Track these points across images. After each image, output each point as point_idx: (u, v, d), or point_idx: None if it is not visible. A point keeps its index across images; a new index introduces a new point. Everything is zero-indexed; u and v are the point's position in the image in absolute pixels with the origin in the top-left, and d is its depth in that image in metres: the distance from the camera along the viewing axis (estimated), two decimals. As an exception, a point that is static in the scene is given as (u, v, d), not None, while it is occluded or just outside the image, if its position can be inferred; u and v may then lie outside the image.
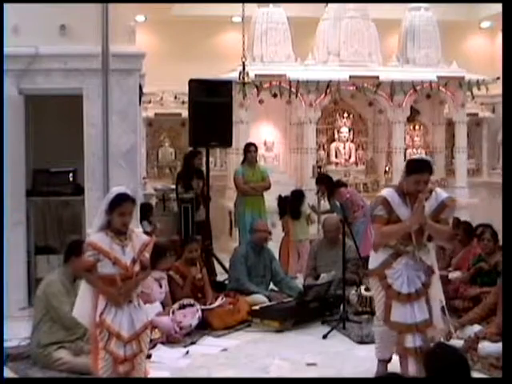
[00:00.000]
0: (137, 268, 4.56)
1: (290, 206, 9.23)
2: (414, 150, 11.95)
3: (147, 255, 4.66)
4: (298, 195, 9.34)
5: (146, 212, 9.00)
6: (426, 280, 5.04)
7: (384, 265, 5.00)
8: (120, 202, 4.48)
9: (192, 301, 6.82)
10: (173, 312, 6.58)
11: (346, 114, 11.69)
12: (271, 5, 11.33)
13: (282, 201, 9.44)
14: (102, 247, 4.46)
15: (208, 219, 8.88)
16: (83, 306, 4.62)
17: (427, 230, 5.01)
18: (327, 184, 9.33)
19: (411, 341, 4.89)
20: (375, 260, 5.10)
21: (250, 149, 9.65)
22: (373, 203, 5.22)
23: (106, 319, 4.45)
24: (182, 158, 10.03)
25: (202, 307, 6.87)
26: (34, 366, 5.61)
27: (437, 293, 5.15)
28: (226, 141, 8.83)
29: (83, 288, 4.64)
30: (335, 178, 11.09)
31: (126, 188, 4.68)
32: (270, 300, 7.36)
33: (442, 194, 5.14)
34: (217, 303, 7.05)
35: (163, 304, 6.76)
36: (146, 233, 8.57)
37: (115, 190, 4.61)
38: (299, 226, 9.21)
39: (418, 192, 4.90)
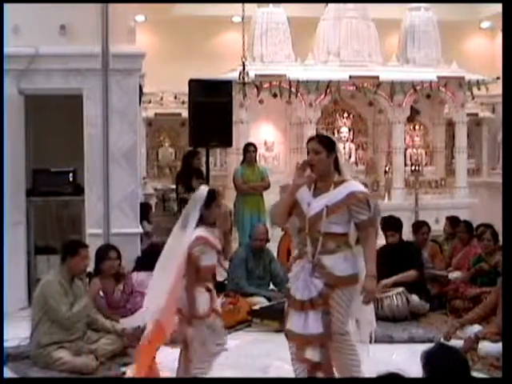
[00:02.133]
0: None
1: None
2: (414, 150, 11.95)
3: None
4: None
5: (146, 212, 9.00)
6: (325, 290, 4.46)
7: (290, 269, 4.73)
8: (215, 197, 4.84)
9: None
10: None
11: (346, 114, 11.67)
12: (271, 5, 11.32)
13: None
14: (210, 240, 4.76)
15: (208, 219, 8.87)
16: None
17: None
18: None
19: (311, 354, 4.55)
20: None
21: (249, 149, 9.66)
22: None
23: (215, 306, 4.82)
24: (182, 158, 10.03)
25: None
26: (34, 366, 5.61)
27: (357, 307, 4.63)
28: (226, 141, 8.83)
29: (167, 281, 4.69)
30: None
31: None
32: (269, 301, 7.35)
33: (355, 186, 4.56)
34: (217, 303, 7.04)
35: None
36: (146, 233, 8.65)
37: (203, 188, 4.89)
38: None
39: (310, 165, 4.52)
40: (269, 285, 7.82)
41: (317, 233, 4.46)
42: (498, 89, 10.47)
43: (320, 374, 4.65)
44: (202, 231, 4.74)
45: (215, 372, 5.57)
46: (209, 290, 4.80)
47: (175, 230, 4.88)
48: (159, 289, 4.75)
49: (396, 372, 3.31)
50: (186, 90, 8.72)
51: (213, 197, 4.81)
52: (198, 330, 4.74)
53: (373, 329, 4.77)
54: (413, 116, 11.71)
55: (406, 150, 11.67)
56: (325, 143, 4.53)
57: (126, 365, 5.74)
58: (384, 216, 7.67)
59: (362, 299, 4.52)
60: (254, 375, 5.52)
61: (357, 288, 4.55)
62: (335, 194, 4.47)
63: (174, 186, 9.80)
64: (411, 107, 11.50)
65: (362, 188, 4.56)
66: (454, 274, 7.73)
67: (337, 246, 4.48)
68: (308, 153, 4.56)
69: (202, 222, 4.75)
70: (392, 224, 7.46)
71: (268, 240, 7.91)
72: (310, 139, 4.63)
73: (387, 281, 7.12)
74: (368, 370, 5.36)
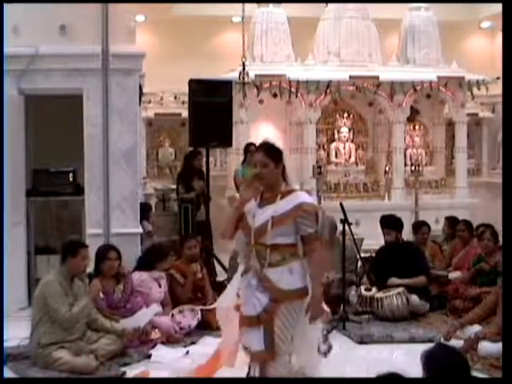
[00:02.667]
0: None
1: None
2: (414, 150, 11.94)
3: None
4: None
5: (146, 212, 9.00)
6: (270, 305, 4.21)
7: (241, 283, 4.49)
8: None
9: (192, 306, 6.79)
10: (172, 315, 6.58)
11: (346, 114, 11.66)
12: (271, 5, 11.32)
13: None
14: None
15: (208, 219, 8.88)
16: None
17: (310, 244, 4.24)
18: None
19: (252, 371, 4.32)
20: None
21: (249, 149, 9.66)
22: None
23: None
24: (183, 159, 10.03)
25: (202, 307, 6.86)
26: (33, 366, 5.61)
27: (306, 328, 4.33)
28: (226, 141, 8.83)
29: None
30: (335, 177, 11.17)
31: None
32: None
33: (303, 197, 4.33)
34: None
35: (162, 304, 6.76)
36: (147, 232, 8.65)
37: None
38: None
39: (258, 178, 4.30)
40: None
41: (262, 245, 4.24)
42: (498, 89, 10.46)
43: None
44: None
45: (215, 372, 5.57)
46: None
47: None
48: None
49: (396, 372, 3.31)
50: (186, 90, 8.71)
51: None
52: None
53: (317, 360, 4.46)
54: (413, 116, 11.71)
55: (406, 150, 11.67)
56: (272, 155, 4.35)
57: (125, 365, 5.74)
58: (384, 214, 7.72)
59: (306, 320, 4.26)
60: (254, 375, 5.51)
61: (306, 302, 4.30)
62: (282, 205, 4.26)
63: (174, 186, 9.81)
64: (411, 107, 11.50)
65: (310, 200, 4.37)
66: (454, 274, 7.73)
67: (282, 259, 4.25)
68: (255, 165, 4.34)
69: None
70: (388, 222, 7.48)
71: None
72: (256, 150, 4.38)
73: (395, 280, 7.13)
74: (368, 369, 5.39)
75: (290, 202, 4.25)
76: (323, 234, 4.30)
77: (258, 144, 4.45)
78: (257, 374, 4.28)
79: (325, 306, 4.48)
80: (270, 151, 4.36)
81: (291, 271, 4.25)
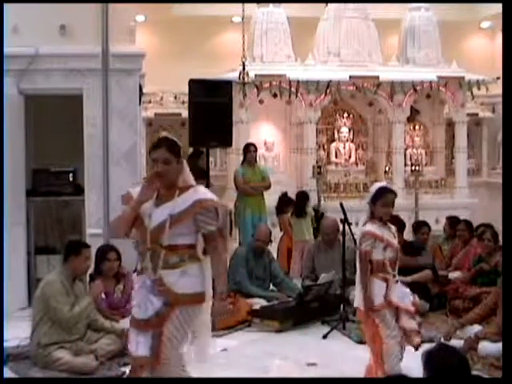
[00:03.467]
0: None
1: (296, 206, 9.25)
2: (414, 150, 11.95)
3: None
4: (303, 196, 9.40)
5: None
6: (163, 309, 3.94)
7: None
8: (383, 194, 4.92)
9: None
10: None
11: (345, 114, 11.67)
12: (271, 5, 11.32)
13: (284, 198, 9.47)
14: (376, 233, 4.91)
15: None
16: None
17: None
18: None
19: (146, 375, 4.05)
20: None
21: (249, 149, 9.67)
22: None
23: (392, 298, 4.86)
24: (187, 158, 10.03)
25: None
26: (34, 366, 5.61)
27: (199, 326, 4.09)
28: (226, 141, 8.83)
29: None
30: (335, 177, 11.17)
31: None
32: (269, 301, 7.35)
33: (202, 193, 4.05)
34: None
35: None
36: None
37: (378, 184, 5.14)
38: (305, 226, 9.19)
39: (159, 176, 3.99)
40: (269, 285, 7.82)
41: (158, 246, 3.97)
42: (497, 89, 10.47)
43: None
44: (370, 226, 4.94)
45: (215, 372, 5.58)
46: (385, 280, 4.91)
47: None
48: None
49: (402, 374, 3.31)
50: (186, 90, 8.71)
51: (380, 194, 4.94)
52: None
53: (212, 350, 4.25)
54: (413, 116, 11.72)
55: (406, 150, 11.67)
56: (174, 150, 4.05)
57: (125, 365, 5.74)
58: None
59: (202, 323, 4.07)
60: (254, 375, 5.52)
61: (202, 308, 4.06)
62: (180, 202, 3.97)
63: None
64: (411, 107, 11.50)
65: (210, 195, 4.07)
66: (454, 274, 7.73)
67: (180, 260, 3.98)
68: (156, 162, 4.01)
69: (372, 217, 4.97)
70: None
71: (270, 241, 7.92)
72: (156, 147, 4.06)
73: (403, 279, 7.14)
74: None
75: (188, 198, 3.99)
76: (225, 229, 4.13)
77: (156, 140, 4.16)
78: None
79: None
80: (172, 147, 4.07)
81: (189, 274, 3.99)
